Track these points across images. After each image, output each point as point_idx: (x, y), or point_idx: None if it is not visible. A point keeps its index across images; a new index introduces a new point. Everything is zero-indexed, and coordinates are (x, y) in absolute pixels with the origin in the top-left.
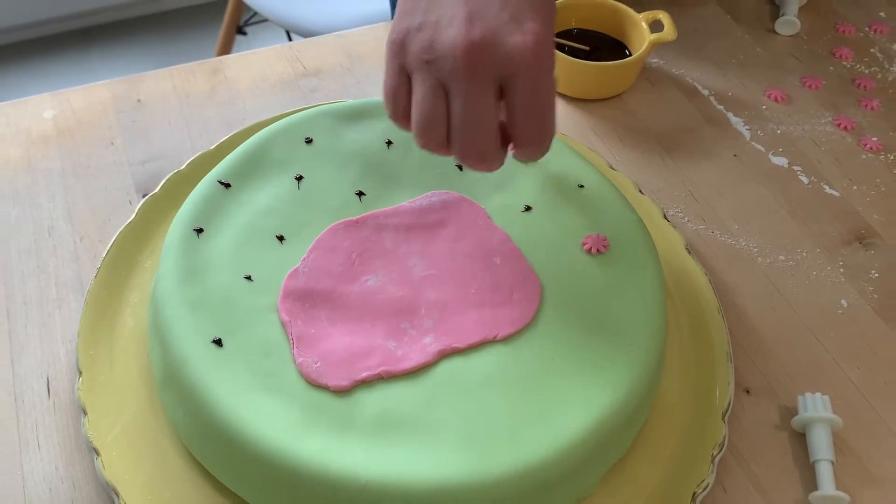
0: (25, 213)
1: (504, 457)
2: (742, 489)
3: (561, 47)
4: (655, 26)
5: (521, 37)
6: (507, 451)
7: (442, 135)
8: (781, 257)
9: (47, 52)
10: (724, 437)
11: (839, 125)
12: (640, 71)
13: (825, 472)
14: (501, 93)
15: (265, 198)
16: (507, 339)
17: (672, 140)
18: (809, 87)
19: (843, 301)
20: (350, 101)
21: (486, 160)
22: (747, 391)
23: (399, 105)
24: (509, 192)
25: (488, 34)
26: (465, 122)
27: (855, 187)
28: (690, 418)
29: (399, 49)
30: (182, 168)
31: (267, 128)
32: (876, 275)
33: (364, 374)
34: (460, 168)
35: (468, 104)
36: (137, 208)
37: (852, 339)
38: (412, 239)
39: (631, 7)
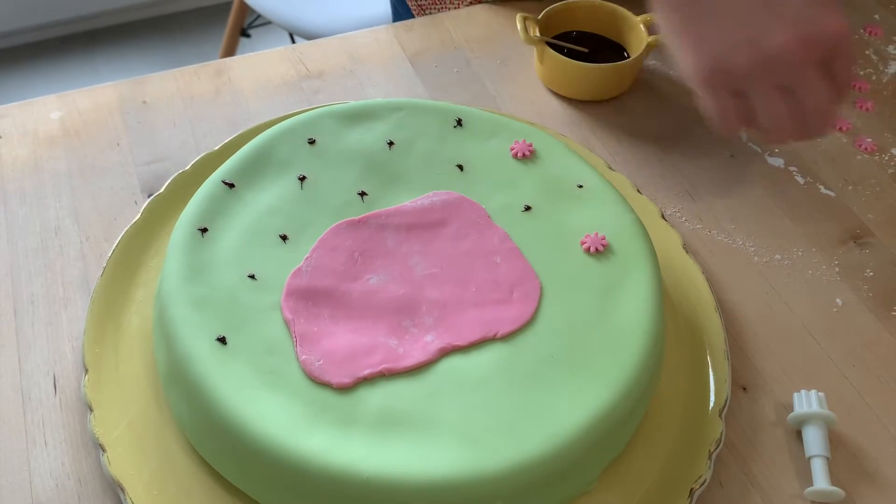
0: (32, 212)
1: (504, 453)
2: (738, 485)
3: (560, 49)
4: (653, 28)
5: (830, 19)
6: (506, 447)
7: (795, 126)
8: (777, 256)
9: (53, 54)
10: (721, 434)
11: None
12: (639, 72)
13: (820, 468)
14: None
15: (269, 198)
16: (506, 337)
17: (670, 141)
18: None
19: (838, 299)
20: (352, 103)
21: (825, 129)
22: (744, 388)
23: (731, 121)
24: (509, 192)
25: (802, 25)
26: (817, 106)
27: (850, 187)
28: (687, 415)
29: (719, 77)
30: (187, 168)
31: (270, 129)
32: (871, 273)
33: (366, 372)
34: (461, 168)
35: (811, 89)
36: (143, 208)
37: (847, 337)
38: (413, 238)
39: (629, 9)
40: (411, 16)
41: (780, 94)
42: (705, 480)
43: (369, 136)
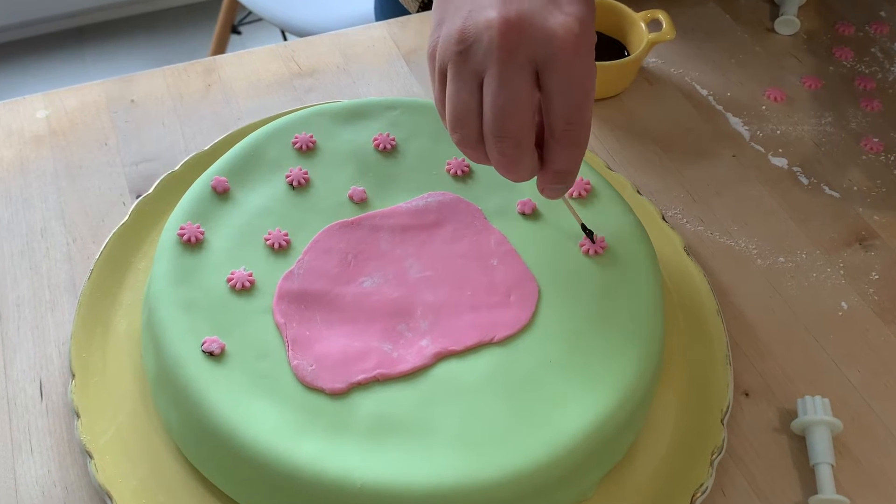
0: (18, 214)
1: (500, 460)
2: (741, 493)
3: None
4: (654, 25)
5: (561, 17)
6: (503, 455)
7: (476, 128)
8: (781, 259)
9: (40, 51)
10: (723, 441)
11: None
12: (639, 71)
13: (825, 476)
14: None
15: (260, 198)
16: (503, 342)
17: (670, 140)
18: (809, 86)
19: (843, 303)
20: (345, 102)
21: (520, 153)
22: (746, 394)
23: (441, 110)
24: (506, 193)
25: (525, 13)
26: (497, 104)
27: (855, 188)
28: (689, 421)
29: (433, 54)
30: (176, 169)
31: (262, 128)
32: (876, 276)
33: (360, 377)
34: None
35: (502, 85)
36: (131, 209)
37: (852, 342)
38: (408, 240)
39: (629, 6)
40: (399, 9)
41: (477, 84)
42: (707, 488)
43: (363, 136)
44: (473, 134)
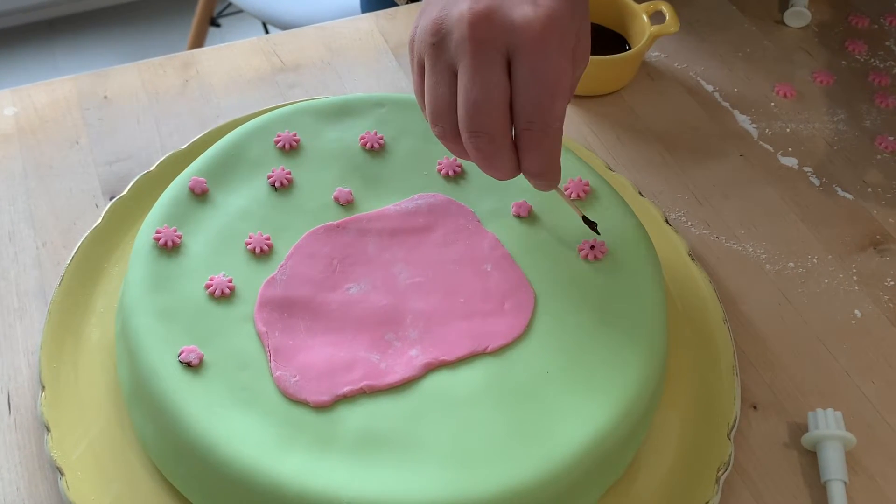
0: None
1: (494, 477)
2: None
3: None
4: (656, 18)
5: (530, 8)
6: (497, 472)
7: (454, 122)
8: (791, 264)
9: (8, 45)
10: (730, 456)
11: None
12: (640, 65)
13: (837, 493)
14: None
15: (240, 200)
16: (498, 352)
17: (674, 139)
18: (821, 82)
19: (856, 311)
20: (331, 98)
21: (495, 149)
22: (754, 407)
23: (420, 100)
24: (501, 194)
25: (495, 5)
26: (469, 98)
27: (869, 189)
28: (693, 436)
29: (412, 45)
30: (152, 169)
31: (242, 126)
32: (891, 282)
33: (346, 389)
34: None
35: (474, 77)
36: (104, 212)
37: (866, 351)
38: (397, 244)
39: None
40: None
41: (452, 76)
42: None
43: (349, 134)
44: (452, 128)
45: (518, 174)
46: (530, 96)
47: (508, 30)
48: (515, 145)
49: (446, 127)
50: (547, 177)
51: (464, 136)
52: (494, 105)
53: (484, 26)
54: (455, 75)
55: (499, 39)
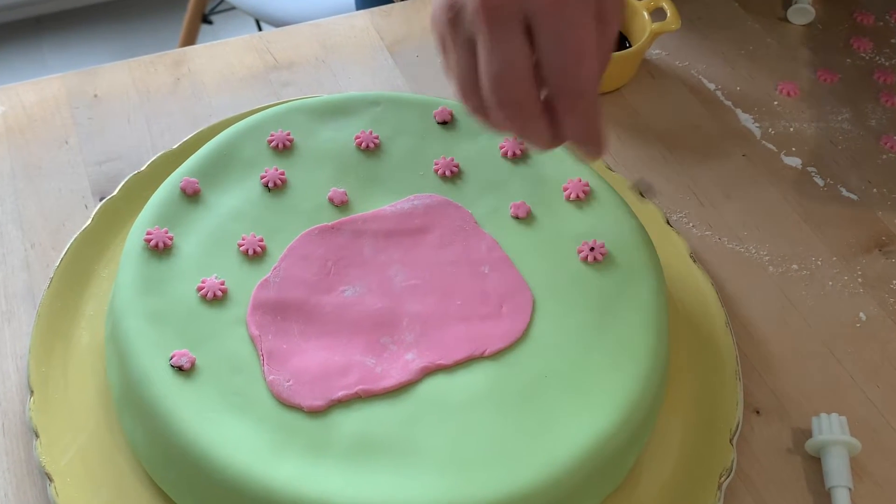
0: None
1: (492, 483)
2: None
3: None
4: (657, 15)
5: None
6: (495, 478)
7: (481, 96)
8: (794, 266)
9: None
10: (732, 462)
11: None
12: (641, 63)
13: (842, 500)
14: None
15: (233, 201)
16: (495, 356)
17: (675, 138)
18: (825, 80)
19: (861, 314)
20: (325, 96)
21: (525, 118)
22: (757, 412)
23: (448, 73)
24: (498, 195)
25: None
26: (490, 71)
27: (875, 190)
28: (695, 441)
29: (433, 24)
30: (142, 169)
31: (235, 125)
32: None
33: (340, 394)
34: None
35: (493, 49)
36: (94, 213)
37: (872, 355)
38: (393, 246)
39: None
40: None
41: (473, 51)
42: None
43: (344, 134)
44: (481, 102)
45: (561, 142)
46: (555, 62)
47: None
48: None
49: (476, 103)
50: (590, 143)
51: (492, 110)
52: (517, 75)
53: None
54: (475, 49)
55: (513, 7)
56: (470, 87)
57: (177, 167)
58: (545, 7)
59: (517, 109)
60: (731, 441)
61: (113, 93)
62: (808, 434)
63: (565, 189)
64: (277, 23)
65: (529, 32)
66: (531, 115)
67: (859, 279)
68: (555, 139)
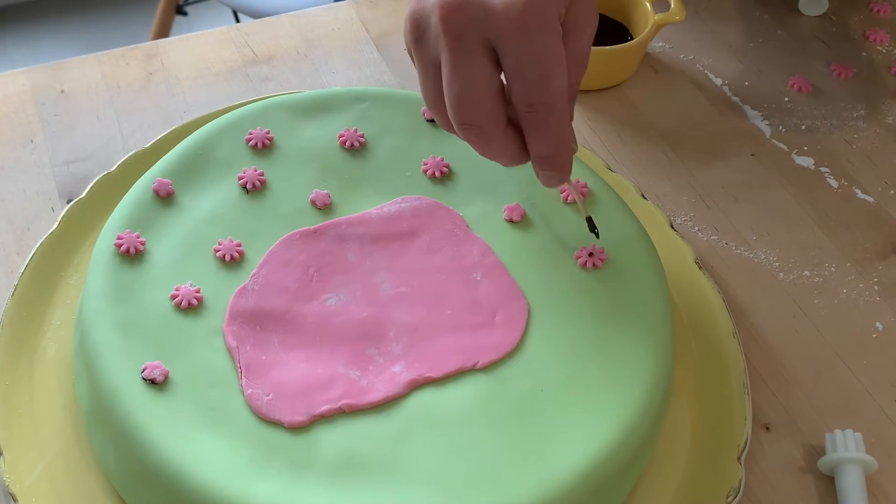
0: None
1: (485, 503)
2: None
3: None
4: (661, 6)
5: None
6: (488, 497)
7: (447, 114)
8: (807, 273)
9: None
10: (740, 482)
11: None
12: (643, 57)
13: None
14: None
15: (209, 203)
16: (488, 368)
17: (680, 137)
18: (839, 75)
19: (877, 323)
20: (307, 92)
21: (486, 139)
22: (767, 427)
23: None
24: (491, 197)
25: None
26: (451, 92)
27: (892, 191)
28: (701, 459)
29: (404, 38)
30: (113, 169)
31: (211, 123)
32: None
33: (323, 408)
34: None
35: (454, 71)
36: (61, 216)
37: (889, 367)
38: (379, 251)
39: None
40: None
41: (438, 70)
42: None
43: (327, 132)
44: (447, 120)
45: (525, 160)
46: (522, 83)
47: (483, 18)
48: (521, 130)
49: (443, 119)
50: (557, 162)
51: (455, 129)
52: (478, 97)
53: (456, 18)
54: (440, 68)
55: (475, 30)
56: (435, 105)
57: (149, 167)
58: (506, 31)
59: (477, 132)
60: (738, 459)
61: (81, 88)
62: (820, 451)
63: (562, 190)
64: (256, 14)
65: (496, 53)
66: (491, 136)
67: (875, 286)
68: (521, 156)
